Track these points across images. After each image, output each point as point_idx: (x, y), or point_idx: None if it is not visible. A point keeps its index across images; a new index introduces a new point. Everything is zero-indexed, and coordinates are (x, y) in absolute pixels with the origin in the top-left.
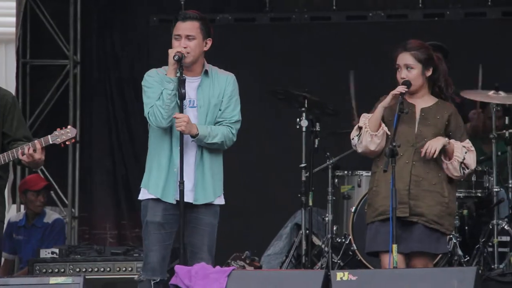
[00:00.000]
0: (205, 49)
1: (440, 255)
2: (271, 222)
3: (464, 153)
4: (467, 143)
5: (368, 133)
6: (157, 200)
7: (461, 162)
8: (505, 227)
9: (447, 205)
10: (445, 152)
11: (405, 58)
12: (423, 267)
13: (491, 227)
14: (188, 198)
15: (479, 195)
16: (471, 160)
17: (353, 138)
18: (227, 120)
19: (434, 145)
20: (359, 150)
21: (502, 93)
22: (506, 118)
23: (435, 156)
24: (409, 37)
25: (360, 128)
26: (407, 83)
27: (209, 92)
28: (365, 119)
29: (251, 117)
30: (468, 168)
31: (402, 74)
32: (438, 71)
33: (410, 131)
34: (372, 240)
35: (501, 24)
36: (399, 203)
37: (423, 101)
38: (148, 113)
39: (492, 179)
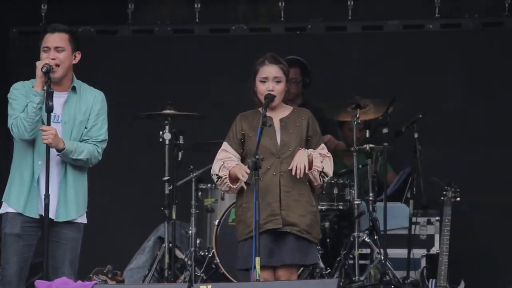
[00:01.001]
0: (74, 62)
1: (302, 268)
2: (134, 236)
3: (320, 161)
4: (322, 148)
5: (227, 185)
6: (18, 213)
7: (321, 171)
8: (366, 239)
9: (315, 214)
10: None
11: (274, 71)
12: (287, 279)
13: (352, 239)
14: (51, 213)
15: (341, 207)
16: (329, 167)
17: (212, 174)
18: (93, 139)
19: (300, 162)
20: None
21: (363, 106)
22: (367, 131)
23: (306, 171)
24: (272, 50)
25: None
26: (270, 97)
27: (75, 108)
28: (224, 165)
29: (115, 130)
30: (327, 176)
31: (270, 87)
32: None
33: (272, 143)
34: (249, 256)
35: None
36: (271, 215)
37: (280, 112)
38: (12, 124)
39: (353, 192)
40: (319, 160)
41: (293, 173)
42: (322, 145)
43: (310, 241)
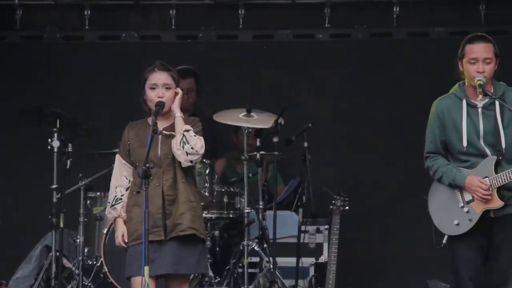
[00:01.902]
0: None
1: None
2: (21, 245)
3: (188, 131)
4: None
5: (112, 215)
6: None
7: (183, 134)
8: (255, 248)
9: (195, 209)
10: (175, 122)
11: (163, 78)
12: None
13: (241, 248)
14: None
15: (231, 216)
16: (195, 142)
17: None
18: None
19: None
20: None
21: (254, 115)
22: (258, 140)
23: (176, 100)
24: (163, 58)
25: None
26: (161, 104)
27: None
28: (114, 204)
29: (3, 137)
30: (188, 143)
31: (159, 93)
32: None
33: (154, 153)
34: (129, 265)
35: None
36: (154, 227)
37: (166, 121)
38: None
39: (243, 200)
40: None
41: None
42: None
43: (198, 239)
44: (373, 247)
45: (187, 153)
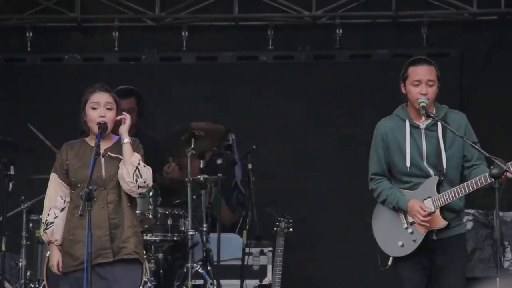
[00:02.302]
0: None
1: None
2: None
3: (138, 162)
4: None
5: (45, 238)
6: None
7: (136, 167)
8: (199, 270)
9: (137, 234)
10: (124, 152)
11: (105, 97)
12: None
13: (185, 270)
14: None
15: (175, 238)
16: (146, 173)
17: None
18: None
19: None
20: None
21: (198, 137)
22: (201, 162)
23: (123, 125)
24: (106, 80)
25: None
26: (104, 127)
27: None
28: (47, 227)
29: None
30: (144, 181)
31: (101, 113)
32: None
33: (97, 175)
34: None
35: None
36: (101, 249)
37: (107, 142)
38: None
39: (187, 222)
40: (138, 160)
41: (118, 118)
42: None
43: (139, 263)
44: (317, 269)
45: (138, 186)
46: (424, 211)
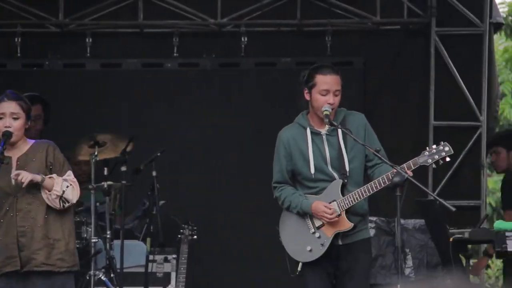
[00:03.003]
0: None
1: None
2: None
3: (65, 187)
4: (69, 175)
5: None
6: None
7: (60, 196)
8: (102, 277)
9: (53, 245)
10: (43, 186)
11: (11, 107)
12: None
13: (88, 278)
14: None
15: (77, 245)
16: (71, 194)
17: None
18: None
19: (26, 175)
20: None
21: (101, 144)
22: (105, 169)
23: (23, 185)
24: (8, 86)
25: None
26: (8, 134)
27: None
28: None
29: None
30: (68, 202)
31: (7, 123)
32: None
33: (6, 183)
34: None
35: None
36: (9, 257)
37: (19, 150)
38: None
39: (90, 230)
40: (62, 186)
41: (13, 178)
42: (69, 172)
43: (58, 272)
44: (222, 277)
45: (63, 206)
46: (330, 209)
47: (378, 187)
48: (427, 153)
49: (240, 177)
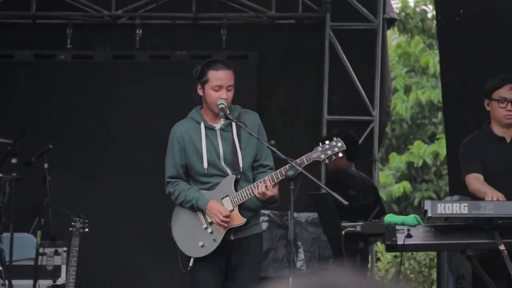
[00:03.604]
0: None
1: None
2: None
3: None
4: None
5: None
6: None
7: None
8: None
9: None
10: None
11: None
12: None
13: None
14: None
15: None
16: None
17: None
18: None
19: None
20: None
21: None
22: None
23: None
24: None
25: None
26: None
27: None
28: None
29: None
30: None
31: None
32: None
33: None
34: None
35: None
36: None
37: None
38: None
39: None
40: None
41: None
42: None
43: None
44: (113, 270)
45: None
46: (224, 212)
47: (272, 183)
48: (320, 148)
49: (133, 170)
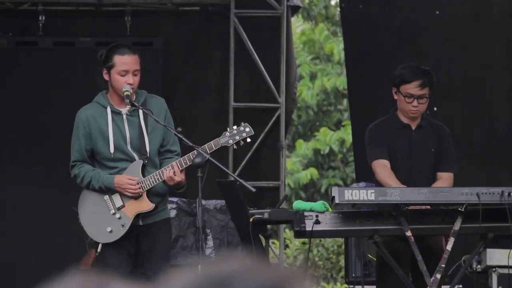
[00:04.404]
0: None
1: None
2: None
3: None
4: None
5: None
6: None
7: None
8: None
9: None
10: None
11: None
12: None
13: None
14: None
15: None
16: None
17: None
18: None
19: None
20: None
21: None
22: None
23: None
24: None
25: None
26: None
27: None
28: None
29: None
30: None
31: None
32: None
33: None
34: None
35: None
36: None
37: None
38: None
39: None
40: None
41: None
42: None
43: None
44: (21, 261)
45: None
46: (133, 180)
47: (180, 168)
48: (228, 133)
49: (36, 159)
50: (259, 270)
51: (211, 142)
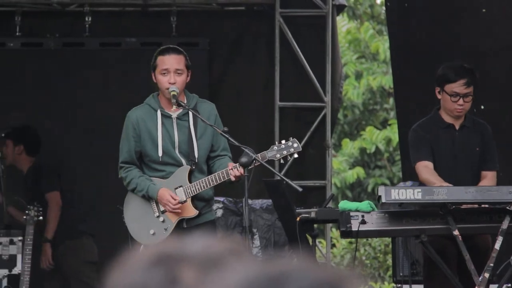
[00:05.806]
0: None
1: None
2: None
3: None
4: None
5: None
6: None
7: None
8: None
9: None
10: None
11: None
12: None
13: None
14: None
15: None
16: None
17: None
18: None
19: None
20: None
21: None
22: None
23: None
24: None
25: None
26: None
27: None
28: None
29: None
30: None
31: None
32: None
33: None
34: None
35: None
36: None
37: None
38: None
39: None
40: None
41: None
42: None
43: None
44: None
45: None
46: (175, 199)
47: (226, 177)
48: (276, 147)
49: (85, 155)
50: (315, 269)
51: (259, 154)
